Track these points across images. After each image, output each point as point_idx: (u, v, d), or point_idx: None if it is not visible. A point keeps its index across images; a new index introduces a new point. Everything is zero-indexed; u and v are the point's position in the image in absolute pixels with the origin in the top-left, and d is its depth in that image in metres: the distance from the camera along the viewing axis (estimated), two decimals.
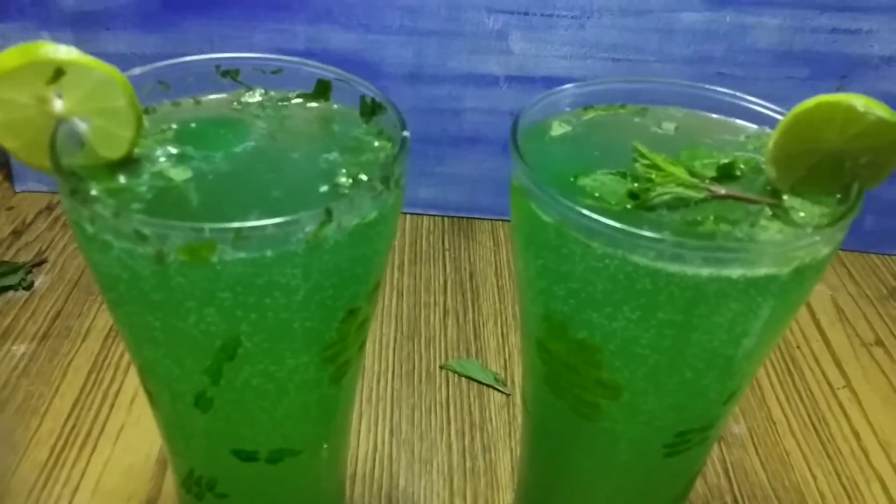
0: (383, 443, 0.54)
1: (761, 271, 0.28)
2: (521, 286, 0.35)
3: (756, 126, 0.36)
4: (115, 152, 0.31)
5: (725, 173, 0.33)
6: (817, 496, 0.52)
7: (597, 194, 0.31)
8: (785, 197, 0.32)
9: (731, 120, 0.36)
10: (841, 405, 0.59)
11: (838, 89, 0.67)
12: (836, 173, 0.31)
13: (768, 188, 0.32)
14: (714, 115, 0.37)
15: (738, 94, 0.36)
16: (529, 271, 0.33)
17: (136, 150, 0.32)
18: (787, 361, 0.62)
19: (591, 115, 0.36)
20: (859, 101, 0.30)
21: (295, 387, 0.33)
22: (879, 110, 0.30)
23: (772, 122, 0.35)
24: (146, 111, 0.34)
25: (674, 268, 0.28)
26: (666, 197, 0.31)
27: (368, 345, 0.60)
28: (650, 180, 0.31)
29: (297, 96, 0.36)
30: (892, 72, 0.66)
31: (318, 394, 0.34)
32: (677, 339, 0.30)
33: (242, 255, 0.27)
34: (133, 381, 0.56)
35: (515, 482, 0.45)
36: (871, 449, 0.56)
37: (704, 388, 0.32)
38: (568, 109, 0.36)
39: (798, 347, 0.64)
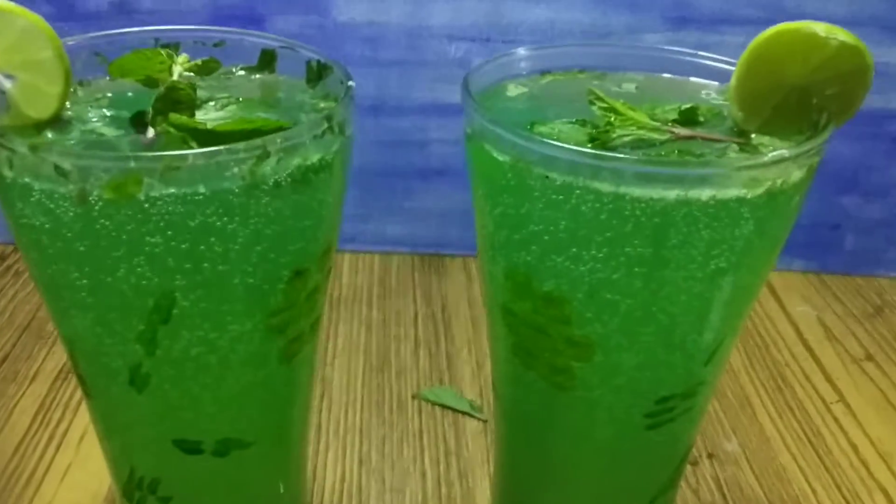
0: (351, 472, 0.50)
1: (731, 193, 0.26)
2: (483, 249, 0.32)
3: (719, 83, 0.35)
4: (44, 111, 0.29)
5: (688, 118, 0.31)
6: None
7: (555, 139, 0.29)
8: (752, 136, 0.30)
9: (694, 80, 0.35)
10: (836, 419, 0.56)
11: None
12: (803, 110, 0.30)
13: (735, 130, 0.31)
14: (676, 77, 0.35)
15: (698, 52, 0.35)
16: (489, 226, 0.31)
17: (68, 113, 0.30)
18: (777, 378, 0.60)
19: (548, 79, 0.35)
20: (820, 27, 0.29)
21: (240, 361, 0.30)
22: (841, 35, 0.29)
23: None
24: (80, 84, 0.33)
25: (639, 192, 0.26)
26: (627, 139, 0.29)
27: (336, 375, 0.58)
28: (609, 124, 0.30)
29: (242, 69, 0.35)
30: None
31: (267, 373, 0.32)
32: (648, 279, 0.28)
33: (172, 190, 0.25)
34: (82, 420, 0.53)
35: (491, 484, 0.42)
36: (871, 460, 0.53)
37: (682, 340, 0.30)
38: (524, 74, 0.35)
39: (787, 365, 0.61)
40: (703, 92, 0.34)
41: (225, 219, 0.26)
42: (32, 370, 0.57)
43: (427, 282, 0.69)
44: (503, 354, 0.34)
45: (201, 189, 0.26)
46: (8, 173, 0.26)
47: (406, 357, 0.60)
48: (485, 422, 0.54)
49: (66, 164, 0.25)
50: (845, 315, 0.67)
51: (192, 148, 0.26)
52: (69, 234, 0.26)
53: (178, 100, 0.28)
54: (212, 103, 0.31)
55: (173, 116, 0.27)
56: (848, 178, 0.69)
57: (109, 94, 0.32)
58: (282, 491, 0.36)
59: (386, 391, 0.57)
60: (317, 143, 0.28)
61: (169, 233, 0.26)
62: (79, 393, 0.55)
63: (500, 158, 0.28)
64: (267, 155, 0.26)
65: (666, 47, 0.36)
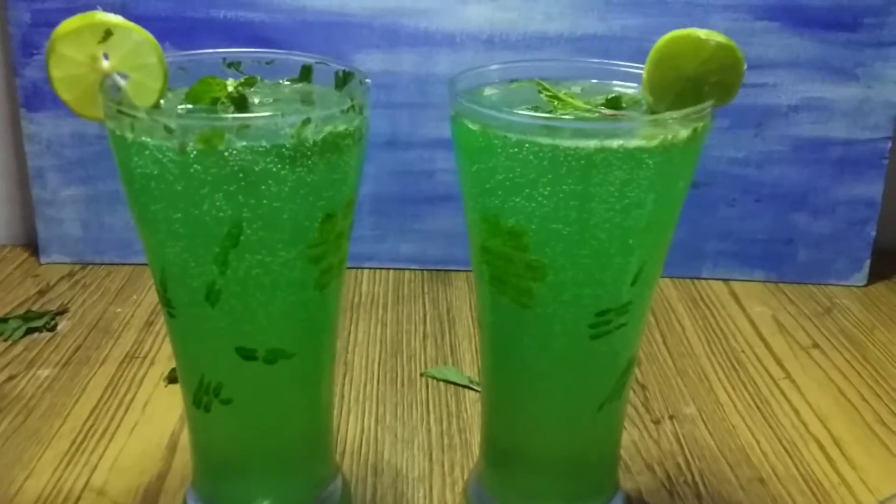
0: (369, 428, 0.60)
1: (633, 143, 0.37)
2: (467, 204, 0.43)
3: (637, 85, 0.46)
4: (147, 102, 0.41)
5: (613, 103, 0.42)
6: (760, 455, 0.58)
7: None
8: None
9: (628, 84, 0.46)
10: (782, 391, 0.66)
11: (755, 136, 0.78)
12: (696, 95, 0.41)
13: (647, 111, 0.42)
14: (613, 83, 0.47)
15: (635, 65, 0.46)
16: (469, 183, 0.42)
17: (163, 103, 0.42)
18: (732, 360, 0.70)
19: (515, 85, 0.47)
20: (702, 32, 0.40)
21: (286, 282, 0.41)
22: (718, 37, 0.40)
23: None
24: (169, 90, 0.45)
25: (569, 143, 0.37)
26: (566, 116, 0.41)
27: (356, 359, 0.68)
28: (554, 107, 0.41)
29: (287, 80, 0.46)
30: (798, 118, 0.78)
31: (305, 296, 0.42)
32: (581, 210, 0.39)
33: (244, 143, 0.37)
34: (145, 391, 0.63)
35: (481, 409, 0.52)
36: (810, 421, 0.62)
37: (610, 262, 0.41)
38: (497, 81, 0.46)
39: (742, 351, 0.71)
40: (630, 91, 0.46)
41: (279, 166, 0.38)
42: (102, 356, 0.68)
43: (435, 291, 0.80)
44: (484, 287, 0.44)
45: (263, 143, 0.37)
46: (129, 135, 0.38)
47: (416, 346, 0.71)
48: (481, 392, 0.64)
49: (172, 124, 0.36)
50: (798, 314, 0.77)
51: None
52: (171, 178, 0.38)
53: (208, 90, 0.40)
54: (263, 106, 0.42)
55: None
56: (798, 198, 0.80)
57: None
58: (316, 396, 0.46)
59: (398, 371, 0.67)
60: (343, 117, 0.39)
61: (240, 175, 0.37)
62: (142, 371, 0.66)
63: (473, 128, 0.40)
64: (309, 121, 0.37)
65: (605, 61, 0.47)
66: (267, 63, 0.46)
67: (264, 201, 0.38)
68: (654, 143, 0.38)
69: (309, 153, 0.38)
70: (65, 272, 0.82)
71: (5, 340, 0.70)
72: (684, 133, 0.39)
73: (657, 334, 0.73)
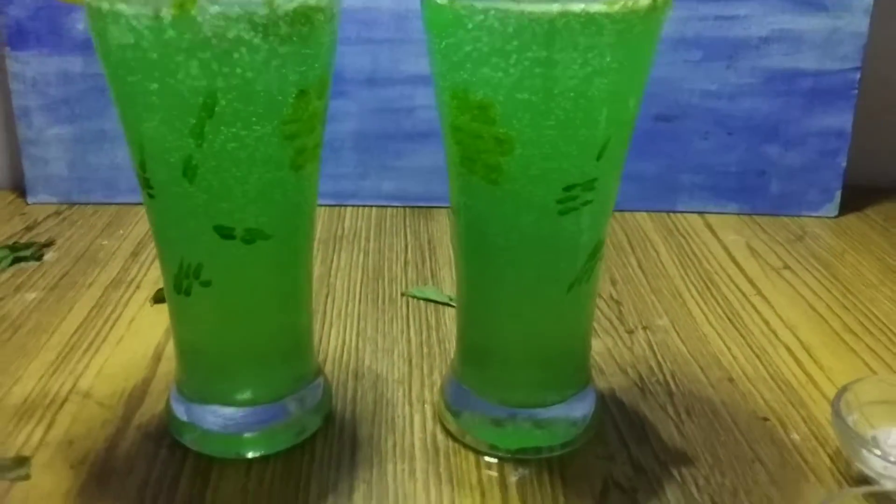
0: (351, 340, 0.62)
1: (594, 7, 0.39)
2: (437, 85, 0.45)
3: None
4: None
5: None
6: (731, 360, 0.60)
7: None
8: None
9: None
10: (753, 306, 0.67)
11: (728, 68, 0.80)
12: None
13: None
14: None
15: None
16: (438, 61, 0.43)
17: None
18: (705, 280, 0.71)
19: None
20: None
21: (262, 159, 0.42)
22: None
23: None
24: None
25: (533, 7, 0.39)
26: None
27: (338, 283, 0.69)
28: None
29: None
30: (769, 49, 0.79)
31: (281, 176, 0.44)
32: (545, 78, 0.40)
33: (217, 9, 0.38)
34: (132, 310, 0.65)
35: (456, 302, 0.53)
36: (779, 330, 0.64)
37: (575, 135, 0.42)
38: None
39: (715, 273, 0.73)
40: None
41: (252, 33, 0.39)
42: (88, 281, 0.69)
43: (417, 225, 0.81)
44: (455, 170, 0.46)
45: (236, 9, 0.38)
46: (105, 5, 0.39)
47: (397, 271, 0.72)
48: None
49: None
50: (770, 241, 0.79)
51: None
52: (146, 45, 0.39)
53: None
54: None
55: None
56: (769, 130, 0.82)
57: None
58: (293, 279, 0.48)
59: (380, 292, 0.69)
60: None
61: (214, 41, 0.39)
62: (128, 294, 0.67)
63: (441, 2, 0.41)
64: None
65: None
66: None
67: (238, 70, 0.40)
68: (615, 7, 0.39)
69: (280, 23, 0.40)
70: (51, 211, 0.83)
71: None
72: (645, 1, 0.40)
73: (633, 259, 0.75)
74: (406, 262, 0.74)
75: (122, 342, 0.61)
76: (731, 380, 0.57)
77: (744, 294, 0.69)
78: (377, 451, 0.50)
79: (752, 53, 0.80)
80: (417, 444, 0.50)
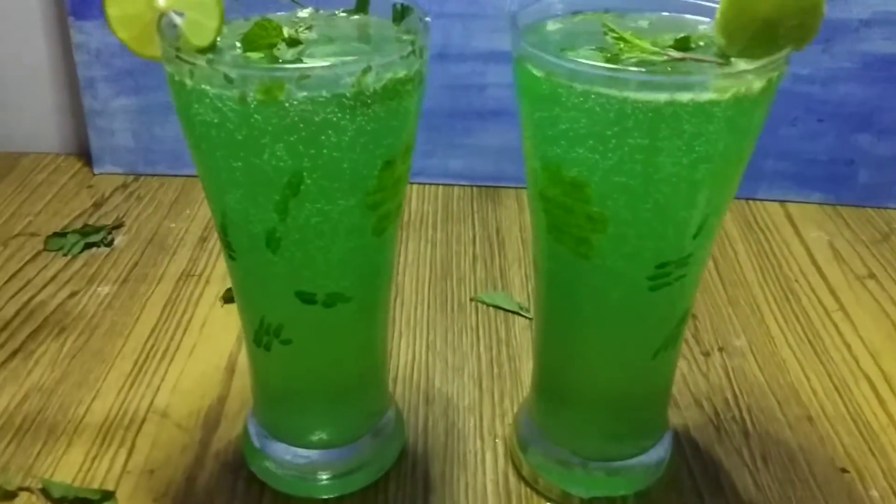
0: (421, 354, 0.61)
1: (704, 96, 0.36)
2: (527, 149, 0.42)
3: (710, 19, 0.44)
4: (204, 41, 0.40)
5: (682, 45, 0.40)
6: (810, 393, 0.58)
7: (579, 59, 0.39)
8: (732, 59, 0.39)
9: (698, 18, 0.44)
10: (835, 325, 0.65)
11: (823, 51, 0.75)
12: (772, 38, 0.39)
13: (719, 54, 0.40)
14: (679, 15, 0.44)
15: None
16: (530, 129, 0.41)
17: (219, 41, 0.41)
18: (785, 290, 0.69)
19: (579, 17, 0.45)
20: None
21: (345, 230, 0.41)
22: None
23: None
24: (225, 24, 0.44)
25: (637, 96, 0.36)
26: (633, 61, 0.39)
27: (406, 281, 0.69)
28: (620, 50, 0.39)
29: (343, 11, 0.45)
30: (870, 33, 0.74)
31: (363, 242, 0.42)
32: (646, 164, 0.38)
33: (304, 94, 0.36)
34: (202, 310, 0.65)
35: (532, 347, 0.53)
36: (861, 357, 0.62)
37: (674, 216, 0.40)
38: (560, 14, 0.45)
39: (796, 281, 0.70)
40: (700, 27, 0.43)
41: (339, 115, 0.37)
42: (159, 273, 0.69)
43: (484, 210, 0.80)
44: (541, 234, 0.44)
45: (324, 93, 0.36)
46: (189, 82, 0.37)
47: (465, 269, 0.71)
48: (531, 319, 0.65)
49: (233, 74, 0.36)
50: (854, 241, 0.76)
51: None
52: (231, 127, 0.37)
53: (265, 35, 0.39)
54: (319, 43, 0.41)
55: None
56: (862, 118, 0.77)
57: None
58: (372, 338, 0.47)
59: (448, 295, 0.68)
60: (403, 63, 0.38)
61: (301, 125, 0.37)
62: (198, 290, 0.67)
63: (538, 74, 0.38)
64: (369, 69, 0.36)
65: None
66: None
67: (324, 151, 0.38)
68: (727, 95, 0.36)
69: (369, 101, 0.37)
70: (118, 183, 0.82)
71: (65, 255, 0.71)
72: (758, 84, 0.37)
73: (710, 260, 0.73)
74: (474, 258, 0.72)
75: (195, 351, 0.61)
76: (809, 419, 0.56)
77: (825, 309, 0.67)
78: (450, 493, 0.50)
79: (851, 37, 0.74)
80: (490, 486, 0.51)
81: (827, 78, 0.76)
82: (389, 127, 0.39)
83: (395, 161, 0.41)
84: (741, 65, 0.38)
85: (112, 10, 0.39)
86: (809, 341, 0.63)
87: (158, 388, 0.58)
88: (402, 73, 0.38)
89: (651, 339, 0.45)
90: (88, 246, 0.72)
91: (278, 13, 0.45)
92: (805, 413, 0.56)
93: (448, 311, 0.66)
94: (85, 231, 0.73)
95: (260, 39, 0.41)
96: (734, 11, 0.39)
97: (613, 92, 0.36)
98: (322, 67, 0.36)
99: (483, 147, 0.81)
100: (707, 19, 0.44)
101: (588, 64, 0.36)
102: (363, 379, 0.49)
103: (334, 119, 0.37)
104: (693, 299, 0.45)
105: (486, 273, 0.70)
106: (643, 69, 0.36)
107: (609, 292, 0.43)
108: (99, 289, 0.67)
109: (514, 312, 0.66)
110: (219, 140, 0.38)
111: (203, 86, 0.37)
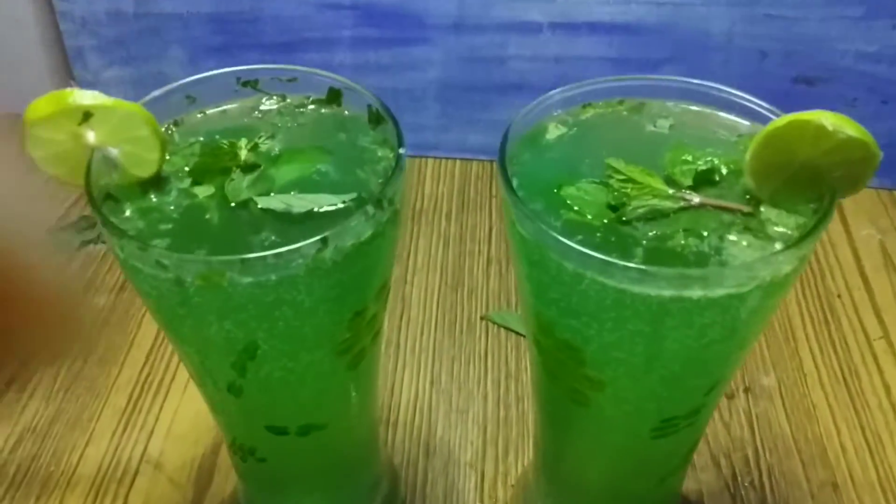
0: (424, 392, 0.58)
1: (720, 292, 0.30)
2: (520, 291, 0.37)
3: (749, 122, 0.37)
4: (146, 171, 0.35)
5: (703, 179, 0.34)
6: (839, 450, 0.54)
7: (576, 207, 0.33)
8: (762, 208, 0.33)
9: (727, 116, 0.37)
10: (875, 357, 0.60)
11: (894, 27, 0.65)
12: (812, 183, 0.32)
13: (747, 196, 0.34)
14: (711, 111, 0.38)
15: (732, 90, 0.37)
16: (523, 281, 0.36)
17: (166, 168, 0.35)
18: (826, 311, 0.63)
19: (589, 112, 0.38)
20: (828, 121, 0.31)
21: (314, 377, 0.37)
22: (849, 128, 0.31)
23: (765, 120, 0.35)
24: (175, 123, 0.38)
25: (638, 289, 0.30)
26: (641, 210, 0.33)
27: (414, 293, 0.65)
28: (626, 195, 0.33)
29: (312, 102, 0.39)
30: None
31: (336, 380, 0.38)
32: (649, 346, 0.32)
33: (249, 279, 0.31)
34: None
35: (532, 446, 0.49)
36: None
37: (683, 384, 0.35)
38: (567, 106, 0.38)
39: (839, 296, 0.64)
40: (736, 135, 0.36)
41: (293, 293, 0.32)
42: None
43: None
44: (536, 367, 0.39)
45: (272, 277, 0.31)
46: (121, 254, 0.32)
47: (478, 275, 0.66)
48: None
49: (165, 261, 0.31)
50: None
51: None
52: (172, 303, 0.33)
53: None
54: (280, 162, 0.35)
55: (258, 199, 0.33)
56: None
57: (201, 139, 0.37)
58: (353, 453, 0.44)
59: (458, 311, 0.64)
60: (369, 222, 0.33)
61: (249, 306, 0.32)
62: None
63: (530, 239, 0.33)
64: (326, 246, 0.31)
65: (703, 82, 0.37)
66: (289, 80, 0.39)
67: (280, 324, 0.33)
68: (748, 288, 0.30)
69: (328, 271, 0.32)
70: None
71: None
72: (787, 268, 0.31)
73: None
74: (489, 262, 0.67)
75: (189, 384, 0.59)
76: (834, 486, 0.52)
77: (866, 335, 0.61)
78: None
79: None
80: None
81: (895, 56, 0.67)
82: (356, 284, 0.34)
83: (368, 307, 0.36)
84: (769, 227, 0.32)
85: (35, 152, 0.34)
86: (844, 379, 0.59)
87: (152, 432, 0.56)
88: (367, 234, 0.33)
89: (656, 471, 0.41)
90: (85, 243, 0.69)
91: (242, 99, 0.39)
92: (830, 478, 0.53)
93: (456, 334, 0.62)
94: (83, 225, 0.70)
95: (212, 165, 0.35)
96: (767, 155, 0.33)
97: (610, 281, 0.31)
98: (266, 256, 0.31)
99: (503, 122, 0.74)
100: (736, 119, 0.37)
101: (579, 249, 0.30)
102: (351, 474, 0.46)
103: (288, 297, 0.32)
104: (703, 433, 0.41)
105: (499, 282, 0.66)
106: (647, 268, 0.30)
107: (608, 438, 0.39)
108: (95, 299, 0.65)
109: (524, 336, 0.61)
110: (162, 308, 0.34)
111: (136, 263, 0.32)
